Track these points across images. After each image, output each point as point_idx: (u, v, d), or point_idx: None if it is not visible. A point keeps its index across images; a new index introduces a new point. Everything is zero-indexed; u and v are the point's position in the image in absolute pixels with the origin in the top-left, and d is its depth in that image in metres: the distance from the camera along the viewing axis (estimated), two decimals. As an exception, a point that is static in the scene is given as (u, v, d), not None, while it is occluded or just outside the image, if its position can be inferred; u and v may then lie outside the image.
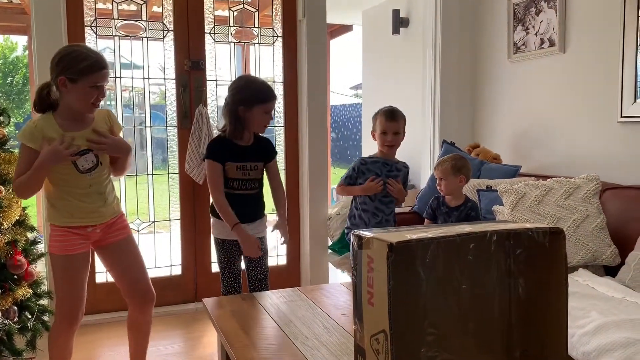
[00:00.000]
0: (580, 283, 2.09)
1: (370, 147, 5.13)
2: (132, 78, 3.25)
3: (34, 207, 2.97)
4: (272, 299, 1.91)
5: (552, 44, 3.04)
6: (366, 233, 1.01)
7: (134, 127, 3.29)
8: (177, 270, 3.31)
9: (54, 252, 1.99)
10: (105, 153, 1.99)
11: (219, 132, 2.40)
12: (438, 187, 2.64)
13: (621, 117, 2.62)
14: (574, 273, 2.21)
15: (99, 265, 3.11)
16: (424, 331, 0.96)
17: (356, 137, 14.03)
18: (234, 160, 2.29)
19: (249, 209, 2.36)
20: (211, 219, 2.42)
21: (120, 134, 2.16)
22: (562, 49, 2.98)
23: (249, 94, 2.27)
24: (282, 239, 2.45)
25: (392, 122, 2.50)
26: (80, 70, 1.85)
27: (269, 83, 2.41)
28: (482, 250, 0.99)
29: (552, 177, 2.54)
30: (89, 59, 1.87)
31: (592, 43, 2.81)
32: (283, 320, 1.69)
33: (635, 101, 2.55)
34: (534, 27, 3.16)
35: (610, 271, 2.26)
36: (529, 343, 1.08)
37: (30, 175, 1.87)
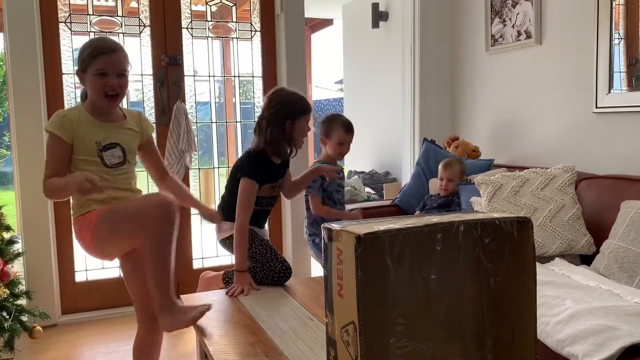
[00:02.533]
0: (557, 272, 2.12)
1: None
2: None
3: (12, 207, 2.93)
4: (250, 293, 1.91)
5: (528, 36, 3.06)
6: (335, 225, 1.01)
7: (112, 124, 3.25)
8: (158, 268, 3.28)
9: (96, 225, 1.73)
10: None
11: (252, 150, 2.24)
12: (442, 187, 2.89)
13: (596, 107, 2.65)
14: (550, 262, 2.23)
15: (79, 263, 3.10)
16: (393, 322, 0.97)
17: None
18: (270, 180, 2.24)
19: (265, 218, 2.38)
20: (226, 224, 2.28)
21: (153, 135, 2.07)
22: (538, 41, 3.01)
23: (295, 106, 2.19)
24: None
25: (350, 134, 2.63)
26: (84, 59, 1.75)
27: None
28: (450, 240, 1.00)
29: (529, 168, 2.57)
30: (91, 46, 1.76)
31: (567, 34, 2.83)
32: (261, 315, 1.69)
33: (609, 92, 2.58)
34: (510, 19, 3.18)
35: (586, 260, 2.29)
36: (499, 331, 1.09)
37: (60, 188, 1.69)
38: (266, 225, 2.46)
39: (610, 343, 1.52)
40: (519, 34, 3.13)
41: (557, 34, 2.90)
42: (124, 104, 3.33)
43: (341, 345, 0.99)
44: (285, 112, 2.17)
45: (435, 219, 1.02)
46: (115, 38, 3.16)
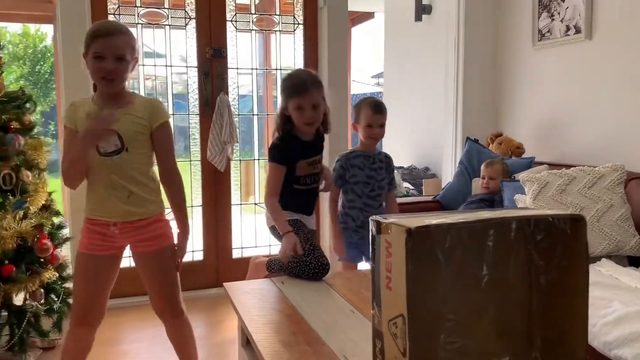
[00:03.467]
0: (603, 273, 2.07)
1: (389, 135, 5.11)
2: (155, 66, 3.28)
3: (60, 193, 3.03)
4: (292, 285, 1.93)
5: (577, 31, 2.98)
6: (384, 218, 1.01)
7: (157, 114, 3.32)
8: (199, 256, 3.35)
9: (79, 249, 1.86)
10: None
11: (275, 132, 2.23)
12: (483, 185, 2.89)
13: (649, 105, 2.57)
14: (597, 263, 2.18)
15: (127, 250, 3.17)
16: (443, 317, 0.96)
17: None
18: (304, 157, 2.17)
19: (312, 201, 2.28)
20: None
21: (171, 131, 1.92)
22: (588, 36, 2.92)
23: (283, 86, 2.17)
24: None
25: (378, 114, 2.43)
26: (85, 42, 1.73)
27: (304, 75, 2.18)
28: (502, 236, 0.99)
29: (573, 167, 2.51)
30: (92, 29, 1.76)
31: (619, 29, 2.74)
32: (302, 306, 1.71)
33: (663, 89, 2.50)
34: (559, 13, 3.10)
35: (634, 261, 2.23)
36: (549, 330, 1.07)
37: (64, 161, 1.74)
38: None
39: (661, 347, 1.48)
40: (568, 28, 3.04)
41: (609, 29, 2.81)
42: (168, 95, 3.41)
43: (388, 338, 0.99)
44: (281, 90, 2.18)
45: (486, 214, 1.01)
46: (161, 30, 3.22)
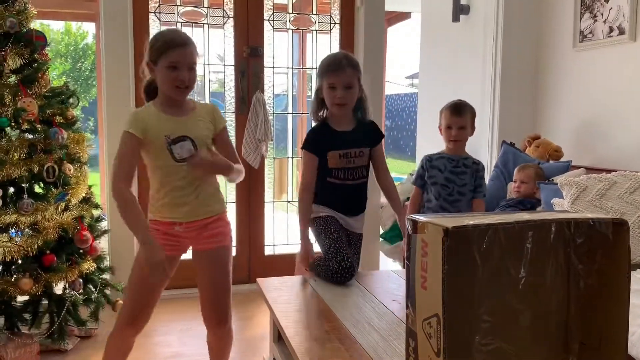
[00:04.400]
0: (644, 281, 2.01)
1: (424, 138, 5.06)
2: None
3: (98, 187, 3.12)
4: (324, 282, 1.94)
5: (621, 32, 2.90)
6: (421, 217, 1.01)
7: (194, 111, 3.37)
8: (233, 251, 3.39)
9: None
10: (202, 172, 1.77)
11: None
12: (516, 189, 2.87)
13: (695, 109, 2.49)
14: (637, 270, 2.12)
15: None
16: (478, 318, 0.95)
17: (410, 127, 13.87)
18: (335, 148, 2.06)
19: (353, 201, 2.17)
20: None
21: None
22: (632, 37, 2.85)
23: (320, 66, 2.10)
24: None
25: (457, 116, 2.34)
26: (155, 51, 1.74)
27: (341, 55, 2.12)
28: (541, 239, 0.97)
29: (613, 171, 2.44)
30: (164, 38, 1.76)
31: (665, 31, 2.67)
32: (335, 304, 1.71)
33: None
34: (602, 14, 3.02)
35: (677, 270, 2.16)
36: (587, 336, 1.05)
37: (126, 216, 1.72)
38: (364, 216, 2.25)
39: (703, 359, 1.43)
40: (611, 29, 2.97)
41: (655, 31, 2.73)
42: (205, 94, 3.47)
43: (422, 337, 0.99)
44: (317, 72, 2.12)
45: (526, 216, 1.00)
46: (199, 29, 3.27)
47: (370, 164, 2.20)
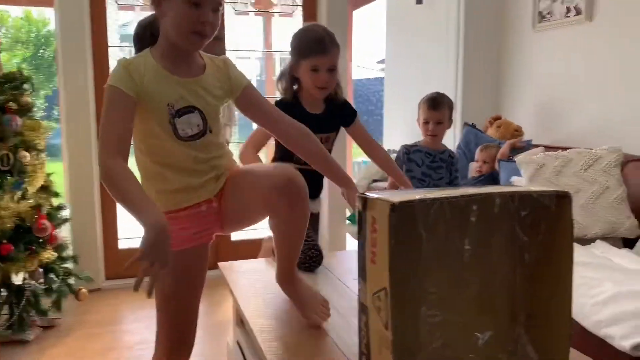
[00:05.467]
0: (598, 254, 2.07)
1: (391, 121, 5.09)
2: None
3: (60, 175, 3.05)
4: (286, 265, 1.94)
5: (578, 12, 2.96)
6: (370, 194, 1.02)
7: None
8: (198, 238, 3.37)
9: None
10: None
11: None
12: (478, 169, 2.94)
13: (648, 87, 2.55)
14: (591, 244, 2.19)
15: (123, 230, 3.20)
16: (425, 290, 0.97)
17: (380, 112, 13.93)
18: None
19: (312, 186, 1.94)
20: None
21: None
22: (588, 17, 2.90)
23: (295, 45, 1.88)
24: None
25: (434, 110, 2.33)
26: None
27: (322, 32, 1.88)
28: (486, 212, 0.99)
29: (572, 149, 2.50)
30: None
31: (619, 11, 2.72)
32: (295, 285, 1.72)
33: (662, 71, 2.48)
34: (560, -5, 3.07)
35: (629, 243, 2.23)
36: (533, 306, 1.08)
37: (123, 197, 1.17)
38: (324, 198, 2.14)
39: (650, 326, 1.49)
40: (568, 10, 3.02)
41: (609, 10, 2.79)
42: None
43: (372, 311, 1.01)
44: (292, 48, 1.89)
45: (471, 190, 1.01)
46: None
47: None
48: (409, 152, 2.43)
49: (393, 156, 2.31)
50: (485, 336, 1.04)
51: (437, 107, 2.34)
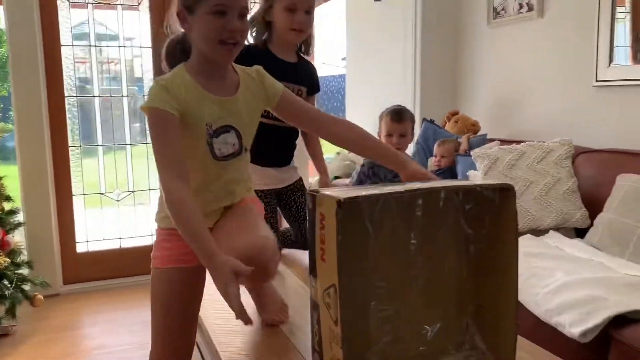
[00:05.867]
0: (550, 244, 2.13)
1: (352, 118, 5.11)
2: (107, 47, 3.21)
3: (13, 179, 2.96)
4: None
5: (530, 9, 3.02)
6: (319, 191, 1.02)
7: (111, 97, 3.26)
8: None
9: (156, 265, 1.35)
10: None
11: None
12: (435, 163, 2.95)
13: (596, 81, 2.62)
14: (545, 235, 2.24)
15: (81, 234, 3.13)
16: (372, 285, 0.98)
17: (344, 109, 13.98)
18: (281, 79, 1.46)
19: (284, 149, 1.88)
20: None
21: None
22: (540, 14, 2.97)
23: None
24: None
25: (398, 123, 2.23)
26: None
27: None
28: (431, 206, 1.01)
29: (526, 142, 2.56)
30: None
31: (569, 7, 2.79)
32: (253, 283, 1.71)
33: (609, 65, 2.56)
34: (512, -9, 3.14)
35: (581, 233, 2.30)
36: (480, 297, 1.11)
37: (185, 231, 1.17)
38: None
39: (597, 313, 1.54)
40: (521, 6, 3.08)
41: (559, 7, 2.86)
42: (122, 78, 3.34)
43: (323, 308, 1.01)
44: None
45: (417, 185, 1.03)
46: (113, 11, 3.15)
47: None
48: (373, 165, 2.29)
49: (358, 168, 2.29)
50: (434, 328, 1.06)
51: (400, 119, 2.25)
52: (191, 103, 1.24)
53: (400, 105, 2.34)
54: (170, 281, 1.32)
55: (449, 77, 3.69)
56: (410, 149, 3.67)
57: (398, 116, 2.23)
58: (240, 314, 1.10)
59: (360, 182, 2.31)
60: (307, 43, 1.89)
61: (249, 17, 1.31)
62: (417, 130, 3.51)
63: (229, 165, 1.31)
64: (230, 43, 1.23)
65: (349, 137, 1.43)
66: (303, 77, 1.84)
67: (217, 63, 1.28)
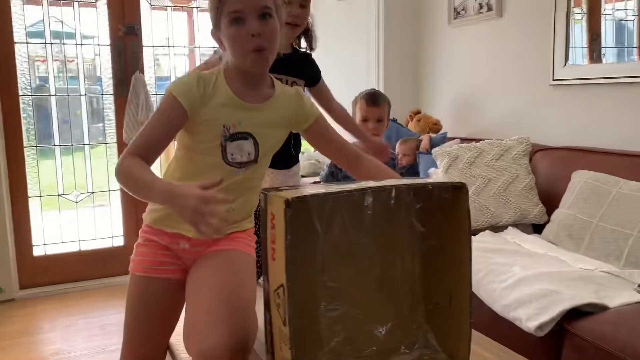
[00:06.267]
0: (508, 240, 2.16)
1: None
2: (63, 44, 3.12)
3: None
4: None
5: (489, 9, 3.06)
6: (269, 191, 1.01)
7: (68, 95, 3.18)
8: (119, 242, 3.26)
9: (132, 270, 1.34)
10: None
11: None
12: (400, 162, 2.94)
13: (553, 80, 2.68)
14: (503, 231, 2.28)
15: (37, 237, 3.04)
16: (323, 285, 0.97)
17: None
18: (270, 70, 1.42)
19: (285, 150, 1.69)
20: None
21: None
22: (499, 14, 3.01)
23: None
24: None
25: (374, 107, 2.09)
26: (213, 9, 1.21)
27: None
28: (382, 204, 1.01)
29: (485, 140, 2.59)
30: None
31: (527, 8, 2.84)
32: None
33: (565, 64, 2.61)
34: (472, -9, 3.17)
35: (539, 229, 2.34)
36: (433, 295, 1.11)
37: (136, 185, 1.14)
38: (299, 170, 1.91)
39: (552, 306, 1.57)
40: (481, 6, 3.12)
41: (517, 7, 2.91)
42: (80, 76, 3.25)
43: (274, 308, 1.00)
44: None
45: (368, 184, 1.02)
46: (69, 8, 3.07)
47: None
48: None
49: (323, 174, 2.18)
50: (386, 327, 1.05)
51: (376, 102, 2.11)
52: (214, 99, 1.22)
53: (374, 89, 2.22)
54: (140, 288, 1.32)
55: (411, 77, 3.71)
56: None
57: (374, 99, 2.12)
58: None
59: (331, 173, 2.16)
60: (307, 37, 1.85)
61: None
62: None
63: (239, 173, 1.27)
64: (256, 50, 1.18)
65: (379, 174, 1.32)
66: (298, 69, 1.78)
67: (252, 73, 1.25)
